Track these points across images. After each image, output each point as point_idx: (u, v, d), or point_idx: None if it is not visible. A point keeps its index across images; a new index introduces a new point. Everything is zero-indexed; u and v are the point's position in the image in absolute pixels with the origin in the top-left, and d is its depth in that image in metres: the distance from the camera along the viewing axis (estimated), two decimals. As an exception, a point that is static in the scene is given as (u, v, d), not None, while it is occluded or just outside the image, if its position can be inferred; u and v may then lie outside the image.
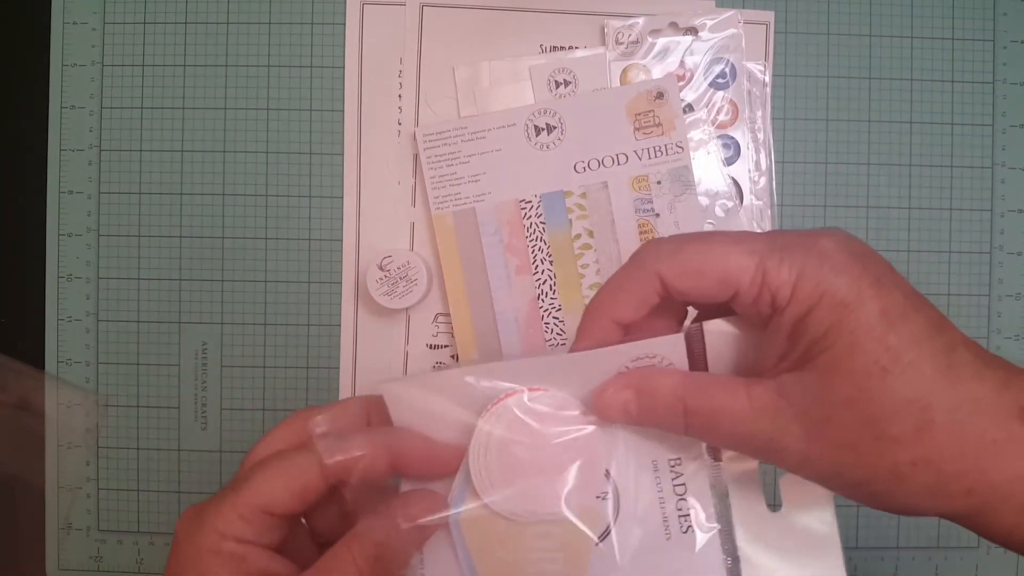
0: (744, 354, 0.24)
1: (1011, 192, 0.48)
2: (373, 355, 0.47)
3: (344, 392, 0.47)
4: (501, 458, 0.24)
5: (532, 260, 0.46)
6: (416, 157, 0.47)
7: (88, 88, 0.47)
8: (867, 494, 0.22)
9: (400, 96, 0.47)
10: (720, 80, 0.47)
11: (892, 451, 0.21)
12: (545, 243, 0.46)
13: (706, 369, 0.25)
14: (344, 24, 0.47)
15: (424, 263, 0.45)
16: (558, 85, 0.47)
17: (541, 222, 0.46)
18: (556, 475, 0.24)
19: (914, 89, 0.48)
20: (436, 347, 0.47)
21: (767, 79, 0.47)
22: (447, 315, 0.47)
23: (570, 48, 0.47)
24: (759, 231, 0.24)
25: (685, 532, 0.25)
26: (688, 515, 0.25)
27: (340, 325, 0.47)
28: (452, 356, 0.47)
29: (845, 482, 0.22)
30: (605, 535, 0.24)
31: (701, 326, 0.24)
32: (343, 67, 0.47)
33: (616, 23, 0.46)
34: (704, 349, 0.24)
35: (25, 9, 0.48)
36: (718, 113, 0.47)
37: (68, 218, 0.47)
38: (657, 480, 0.25)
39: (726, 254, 0.23)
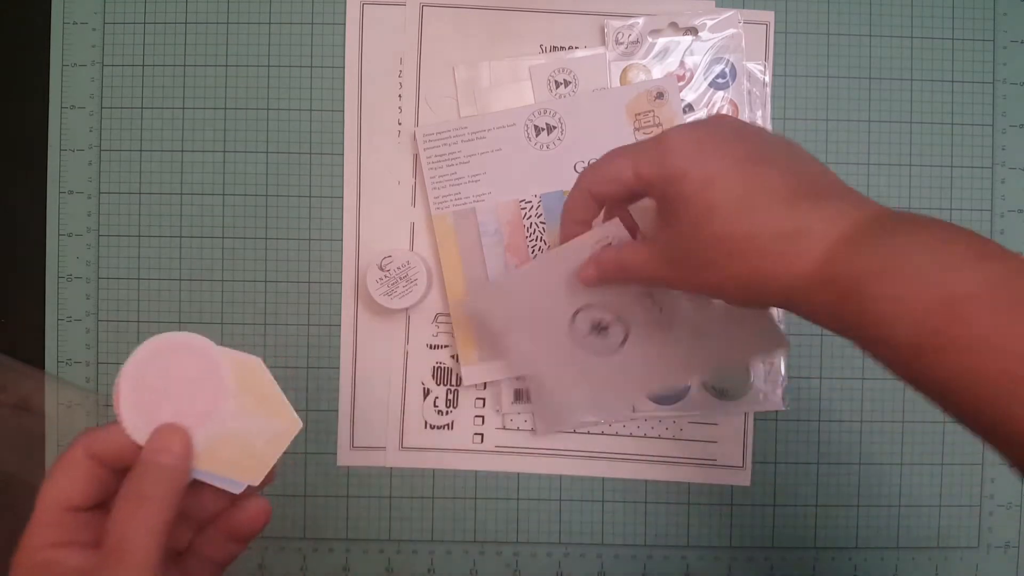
0: (653, 223, 0.35)
1: (1011, 192, 0.48)
2: (373, 355, 0.47)
3: (344, 390, 0.47)
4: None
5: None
6: (416, 157, 0.47)
7: (88, 88, 0.47)
8: (715, 296, 0.32)
9: (400, 96, 0.47)
10: (720, 80, 0.47)
11: (714, 272, 0.31)
12: (545, 243, 0.46)
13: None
14: (344, 24, 0.47)
15: (424, 263, 0.45)
16: (558, 85, 0.47)
17: (541, 222, 0.46)
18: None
19: (914, 89, 0.48)
20: (436, 347, 0.47)
21: (767, 79, 0.47)
22: (447, 315, 0.47)
23: (570, 48, 0.47)
24: (644, 139, 0.37)
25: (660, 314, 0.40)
26: (661, 310, 0.40)
27: (340, 325, 0.47)
28: (452, 356, 0.47)
29: (699, 293, 0.33)
30: (624, 340, 0.40)
31: (628, 209, 0.38)
32: (343, 67, 0.47)
33: (616, 23, 0.46)
34: (634, 224, 0.38)
35: (25, 9, 0.48)
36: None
37: (68, 218, 0.47)
38: (645, 303, 0.40)
39: (612, 164, 0.33)
